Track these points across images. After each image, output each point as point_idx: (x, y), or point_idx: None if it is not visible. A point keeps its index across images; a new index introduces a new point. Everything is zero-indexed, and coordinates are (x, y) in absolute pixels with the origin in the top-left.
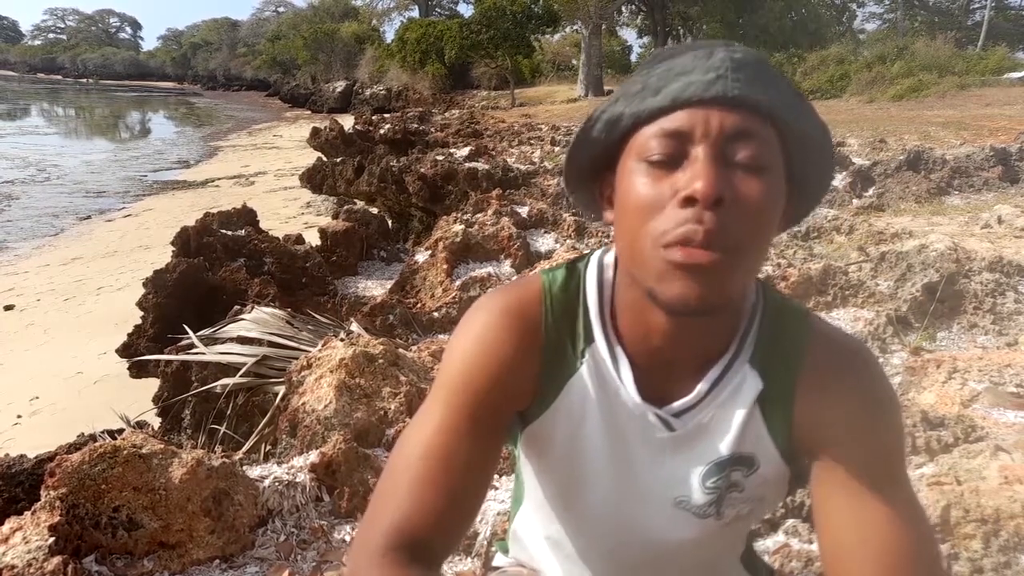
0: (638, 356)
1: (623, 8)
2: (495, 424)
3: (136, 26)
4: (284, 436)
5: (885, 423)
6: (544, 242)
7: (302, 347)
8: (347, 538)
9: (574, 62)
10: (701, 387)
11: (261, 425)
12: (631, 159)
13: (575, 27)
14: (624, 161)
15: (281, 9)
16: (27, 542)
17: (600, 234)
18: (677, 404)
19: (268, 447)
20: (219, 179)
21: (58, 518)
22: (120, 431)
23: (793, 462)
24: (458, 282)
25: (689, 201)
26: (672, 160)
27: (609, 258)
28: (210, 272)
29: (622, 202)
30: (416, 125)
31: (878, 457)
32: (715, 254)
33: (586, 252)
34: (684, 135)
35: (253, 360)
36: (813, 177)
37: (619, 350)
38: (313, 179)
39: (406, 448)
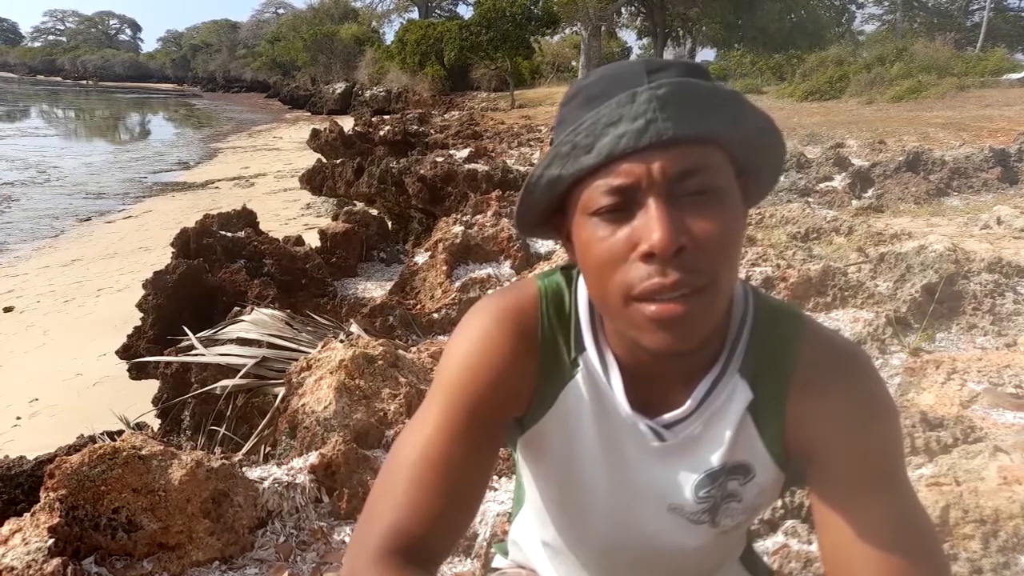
0: (629, 366)
1: (622, 10)
2: (492, 427)
3: (136, 28)
4: (284, 437)
5: (882, 424)
6: (543, 243)
7: (302, 348)
8: (346, 539)
9: (573, 64)
10: (690, 402)
11: (261, 426)
12: (580, 214)
13: (575, 29)
14: (575, 215)
15: (281, 11)
16: (26, 543)
17: None
18: (668, 416)
19: (268, 448)
20: (219, 181)
21: (57, 519)
22: (120, 432)
23: (788, 466)
24: (458, 283)
25: (650, 256)
26: (622, 209)
27: None
28: (210, 273)
29: (582, 257)
30: (416, 127)
31: (876, 458)
32: (688, 302)
33: None
34: (628, 188)
35: (253, 362)
36: (764, 162)
37: (610, 358)
38: (313, 181)
39: (403, 450)
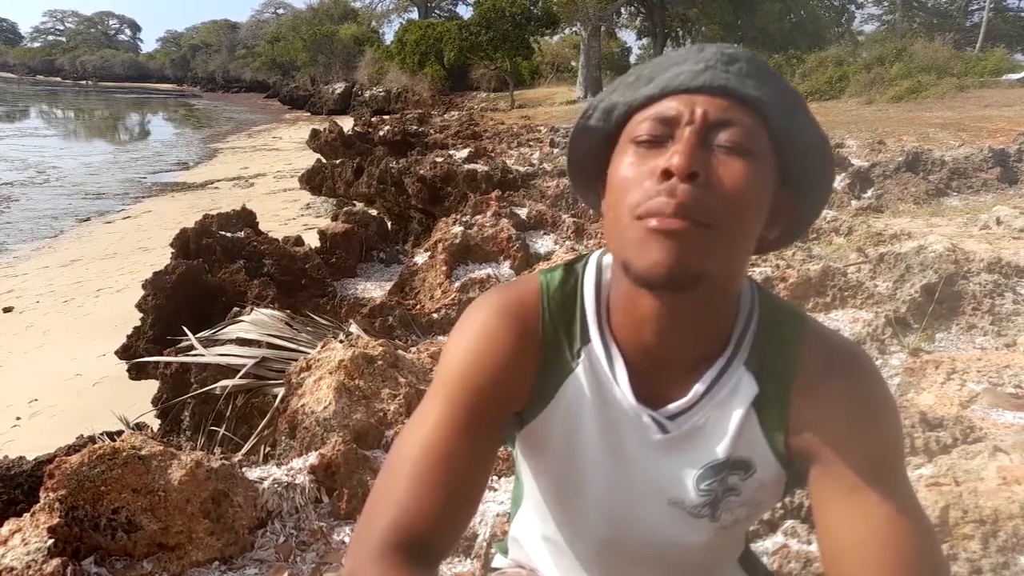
0: (633, 356)
1: (622, 10)
2: (493, 422)
3: (135, 28)
4: (283, 438)
5: (882, 424)
6: (543, 243)
7: (301, 349)
8: (346, 540)
9: (573, 64)
10: (696, 389)
11: (260, 427)
12: (623, 142)
13: (574, 29)
14: (618, 147)
15: (280, 11)
16: (26, 544)
17: (599, 235)
18: (672, 406)
19: (267, 449)
20: (218, 181)
21: (57, 520)
22: (119, 433)
23: (790, 465)
24: (457, 283)
25: (666, 175)
26: (658, 141)
27: (608, 259)
28: (209, 274)
29: (610, 180)
30: (415, 127)
31: (876, 458)
32: (687, 223)
33: (585, 253)
34: (671, 120)
35: (252, 362)
36: (811, 179)
37: (615, 350)
38: (312, 181)
39: (404, 446)
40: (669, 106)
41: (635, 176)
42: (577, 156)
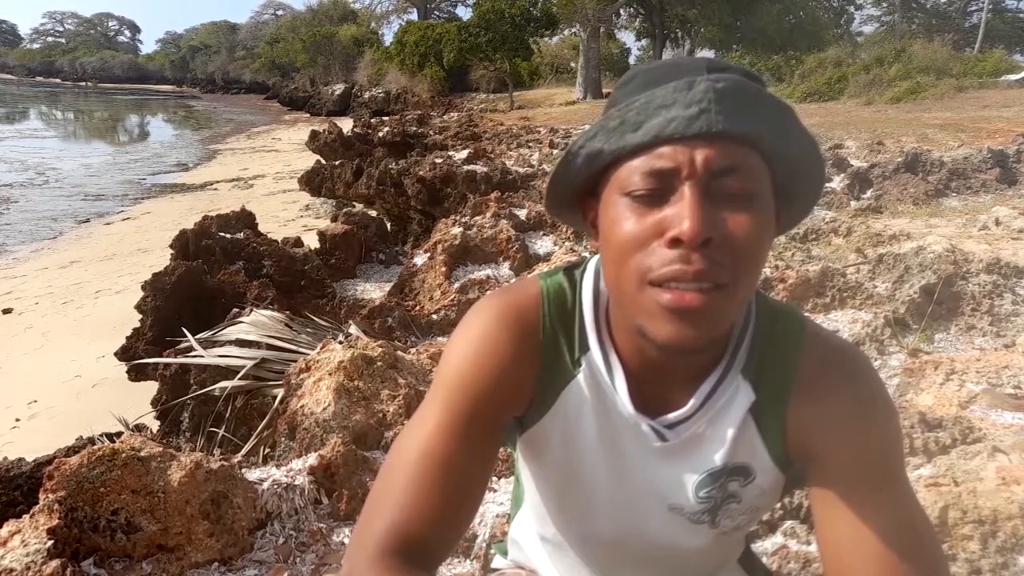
0: (633, 366)
1: (621, 11)
2: (492, 426)
3: (135, 29)
4: (283, 439)
5: (881, 425)
6: (542, 244)
7: (301, 350)
8: (346, 541)
9: (572, 65)
10: (694, 401)
11: (260, 428)
12: (614, 192)
13: (573, 30)
14: (607, 194)
15: (280, 12)
16: (25, 545)
17: None
18: (671, 416)
19: (267, 450)
20: (218, 182)
21: (56, 521)
22: (119, 434)
23: (788, 468)
24: (457, 284)
25: (676, 242)
26: (657, 195)
27: None
28: (209, 275)
29: (606, 237)
30: (415, 128)
31: (875, 459)
32: (705, 295)
33: (584, 256)
34: (668, 173)
35: (252, 363)
36: (801, 190)
37: (614, 359)
38: (312, 182)
39: (403, 449)
40: (665, 157)
41: (639, 235)
42: (557, 197)
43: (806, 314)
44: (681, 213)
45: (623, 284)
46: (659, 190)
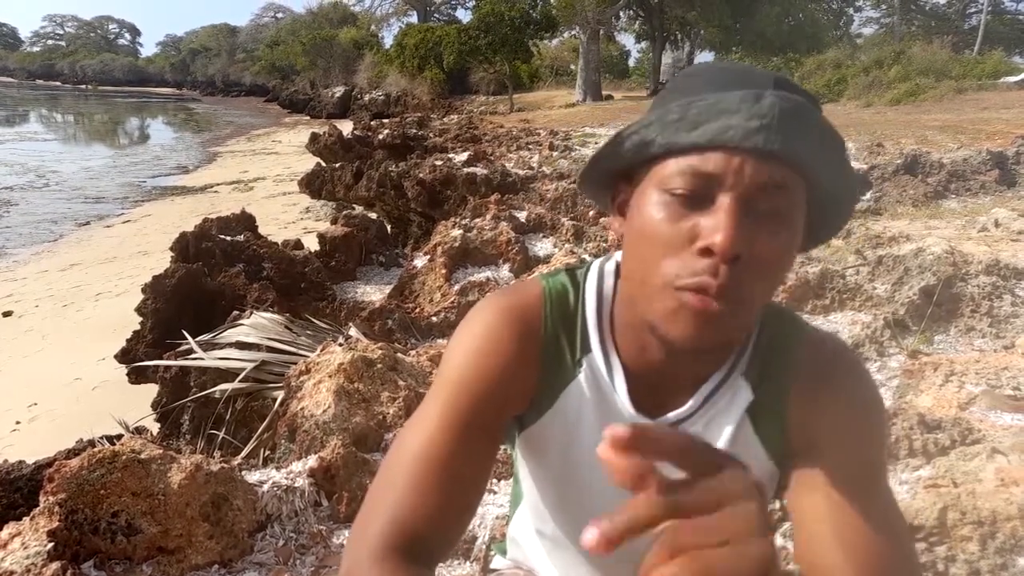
0: (634, 367)
1: (621, 13)
2: (493, 425)
3: (135, 32)
4: (283, 441)
5: (873, 429)
6: (542, 246)
7: (301, 352)
8: (345, 543)
9: (572, 67)
10: (694, 401)
11: (260, 430)
12: (653, 186)
13: (573, 32)
14: (645, 186)
15: (280, 15)
16: (26, 547)
17: (598, 238)
18: (671, 415)
19: (267, 452)
20: (218, 185)
21: (57, 523)
22: (119, 437)
23: (783, 468)
24: (457, 287)
25: (707, 252)
26: (696, 199)
27: (610, 267)
28: (209, 277)
29: (637, 229)
30: (415, 130)
31: (859, 462)
32: (725, 306)
33: (585, 258)
34: (711, 177)
35: (252, 365)
36: (830, 222)
37: (615, 361)
38: (312, 184)
39: (403, 447)
40: (713, 162)
41: (671, 237)
42: (596, 174)
43: (804, 316)
44: (717, 224)
45: (647, 280)
46: (698, 194)
